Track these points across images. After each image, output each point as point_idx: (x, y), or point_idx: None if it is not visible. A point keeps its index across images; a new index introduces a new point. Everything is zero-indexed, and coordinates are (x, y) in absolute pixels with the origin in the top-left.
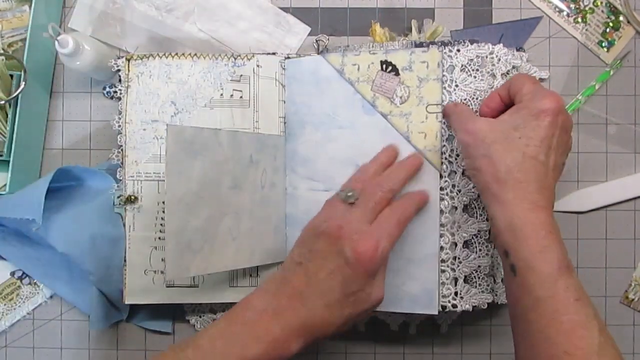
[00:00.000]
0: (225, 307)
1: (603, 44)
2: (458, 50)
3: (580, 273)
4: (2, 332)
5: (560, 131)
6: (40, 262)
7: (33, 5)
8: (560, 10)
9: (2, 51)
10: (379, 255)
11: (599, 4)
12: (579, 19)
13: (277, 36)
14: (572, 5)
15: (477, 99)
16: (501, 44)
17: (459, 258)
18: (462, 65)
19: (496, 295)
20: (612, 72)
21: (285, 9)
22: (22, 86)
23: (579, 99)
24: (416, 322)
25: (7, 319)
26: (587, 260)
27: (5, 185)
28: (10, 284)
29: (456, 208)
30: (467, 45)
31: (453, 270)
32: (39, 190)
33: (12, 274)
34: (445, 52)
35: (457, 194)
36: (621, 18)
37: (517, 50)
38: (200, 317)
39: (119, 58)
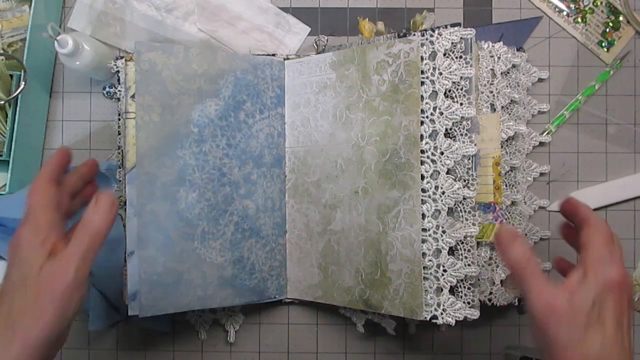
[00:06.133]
0: (228, 308)
1: (603, 44)
2: (440, 34)
3: None
4: None
5: (628, 299)
6: None
7: (33, 5)
8: (560, 10)
9: (2, 51)
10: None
11: (599, 4)
12: (579, 19)
13: (277, 36)
14: (572, 5)
15: (462, 89)
16: (501, 42)
17: (443, 266)
18: (445, 51)
19: (495, 297)
20: (612, 72)
21: (285, 9)
22: (22, 86)
23: (579, 99)
24: (415, 322)
25: None
26: None
27: (5, 185)
28: None
29: (440, 212)
30: (449, 28)
31: (437, 279)
32: None
33: None
34: (426, 38)
35: (440, 196)
36: (621, 18)
37: (517, 50)
38: (200, 316)
39: (117, 59)
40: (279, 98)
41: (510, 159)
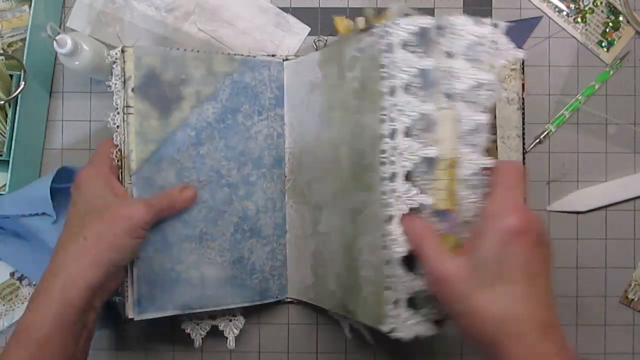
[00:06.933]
0: (228, 312)
1: (603, 44)
2: (396, 24)
3: (580, 273)
4: (2, 332)
5: (539, 248)
6: (37, 264)
7: (33, 5)
8: (560, 10)
9: (2, 51)
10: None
11: (598, 4)
12: (579, 19)
13: (277, 36)
14: (572, 5)
15: (419, 84)
16: (462, 15)
17: (401, 276)
18: (402, 42)
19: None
20: (611, 72)
21: (285, 9)
22: (22, 86)
23: (578, 99)
24: None
25: (6, 319)
26: (587, 260)
27: (5, 185)
28: (9, 285)
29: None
30: (406, 18)
31: (395, 290)
32: (43, 187)
33: (12, 274)
34: (385, 29)
35: (397, 200)
36: (621, 18)
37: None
38: (197, 324)
39: (110, 50)
40: (277, 99)
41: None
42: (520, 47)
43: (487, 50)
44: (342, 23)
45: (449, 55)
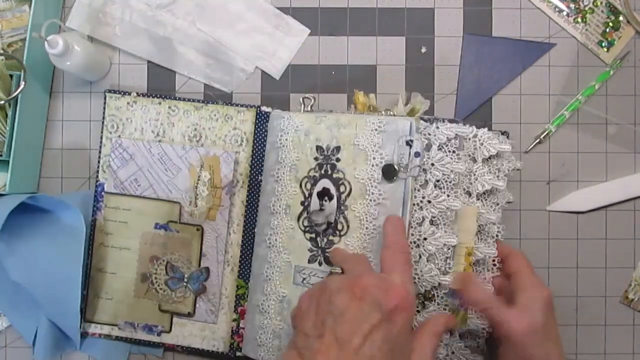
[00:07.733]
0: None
1: (603, 44)
2: (437, 127)
3: (580, 273)
4: (1, 332)
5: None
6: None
7: (33, 5)
8: (560, 10)
9: (2, 51)
10: (412, 297)
11: (598, 4)
12: (579, 19)
13: (277, 37)
14: (572, 5)
15: (450, 181)
16: (485, 128)
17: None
18: (439, 144)
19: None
20: (611, 72)
21: (284, 9)
22: (22, 86)
23: (578, 99)
24: None
25: (6, 319)
26: (587, 260)
27: (5, 185)
28: None
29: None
30: (446, 124)
31: None
32: (3, 209)
33: None
34: (422, 129)
35: (419, 280)
36: (621, 18)
37: (502, 133)
38: None
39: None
40: None
41: (480, 248)
42: (520, 69)
43: (506, 161)
44: (360, 99)
45: (473, 159)
